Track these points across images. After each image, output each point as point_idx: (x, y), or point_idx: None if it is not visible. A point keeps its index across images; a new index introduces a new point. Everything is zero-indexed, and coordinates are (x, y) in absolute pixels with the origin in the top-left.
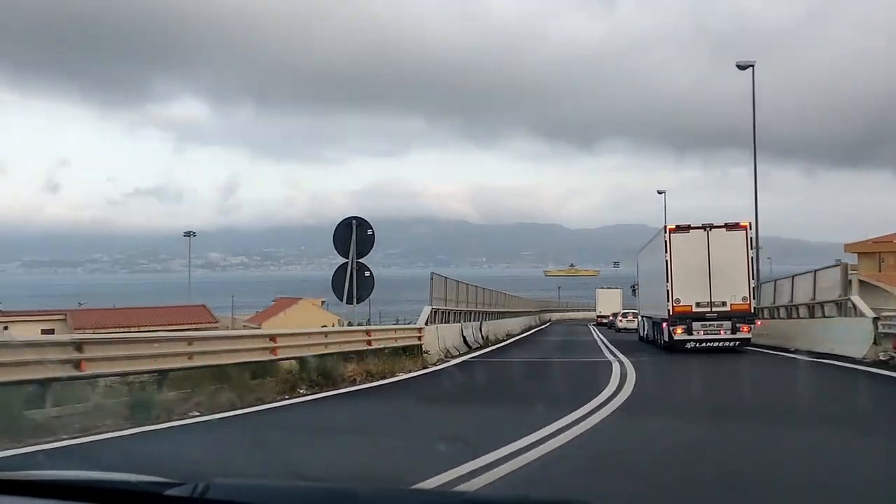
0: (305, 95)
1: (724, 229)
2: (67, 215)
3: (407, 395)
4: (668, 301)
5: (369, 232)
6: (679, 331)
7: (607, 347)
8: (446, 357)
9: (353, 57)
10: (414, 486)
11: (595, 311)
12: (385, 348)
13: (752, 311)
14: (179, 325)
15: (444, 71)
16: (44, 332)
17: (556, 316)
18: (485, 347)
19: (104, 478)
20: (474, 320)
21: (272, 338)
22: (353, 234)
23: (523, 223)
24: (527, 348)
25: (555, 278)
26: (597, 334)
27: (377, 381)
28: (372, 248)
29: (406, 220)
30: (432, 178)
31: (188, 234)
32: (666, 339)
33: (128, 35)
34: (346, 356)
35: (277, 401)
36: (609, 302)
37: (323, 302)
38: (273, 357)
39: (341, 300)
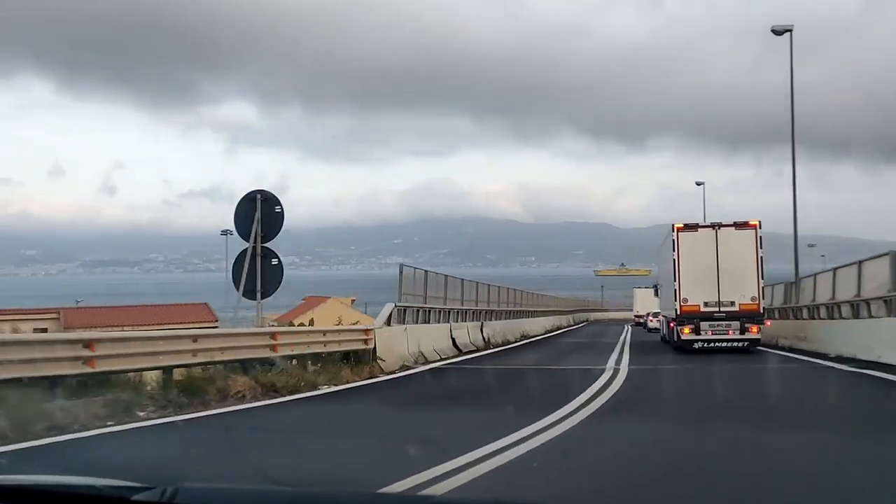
0: (351, 95)
1: (734, 228)
2: (125, 216)
3: (290, 415)
4: (676, 300)
5: (277, 209)
6: (686, 331)
7: (620, 351)
8: (416, 363)
9: (397, 56)
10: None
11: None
12: (314, 353)
13: (762, 311)
14: (173, 323)
15: (489, 69)
16: (36, 330)
17: (596, 315)
18: (481, 351)
19: (68, 482)
20: (473, 320)
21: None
22: (258, 212)
23: (572, 222)
24: (531, 352)
25: (606, 278)
26: (625, 335)
27: (282, 396)
28: (281, 229)
29: (455, 219)
30: (480, 178)
31: (225, 232)
32: (675, 339)
33: (177, 37)
34: (246, 365)
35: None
36: (646, 301)
37: (353, 301)
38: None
39: (243, 295)
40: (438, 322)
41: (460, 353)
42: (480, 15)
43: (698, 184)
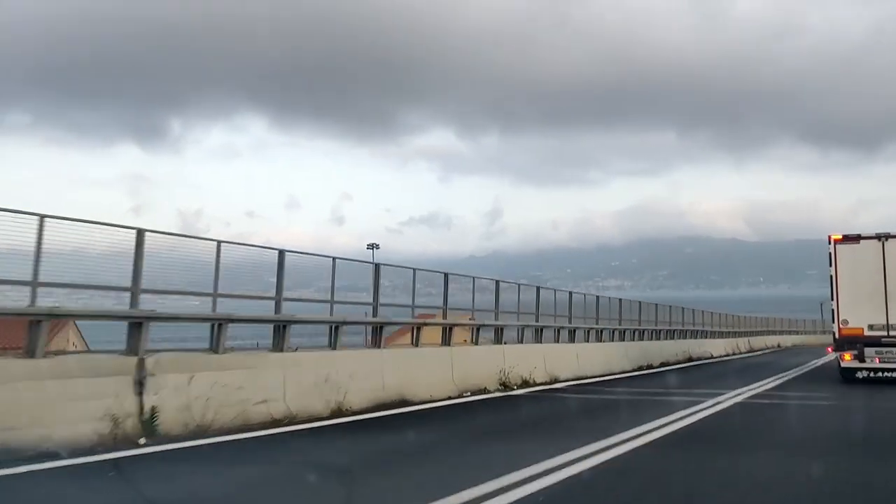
0: (552, 117)
1: None
2: (352, 244)
3: None
4: (835, 322)
5: None
6: (847, 357)
7: (769, 379)
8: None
9: (593, 73)
10: None
11: None
12: None
13: None
14: None
15: (691, 79)
16: None
17: (796, 340)
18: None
19: None
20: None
21: None
22: None
23: (804, 240)
24: (667, 377)
25: None
26: (814, 362)
27: None
28: None
29: (673, 240)
30: (697, 195)
31: (371, 246)
32: (838, 366)
33: (380, 73)
34: None
35: None
36: None
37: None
38: None
39: None
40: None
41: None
42: (672, 21)
43: None
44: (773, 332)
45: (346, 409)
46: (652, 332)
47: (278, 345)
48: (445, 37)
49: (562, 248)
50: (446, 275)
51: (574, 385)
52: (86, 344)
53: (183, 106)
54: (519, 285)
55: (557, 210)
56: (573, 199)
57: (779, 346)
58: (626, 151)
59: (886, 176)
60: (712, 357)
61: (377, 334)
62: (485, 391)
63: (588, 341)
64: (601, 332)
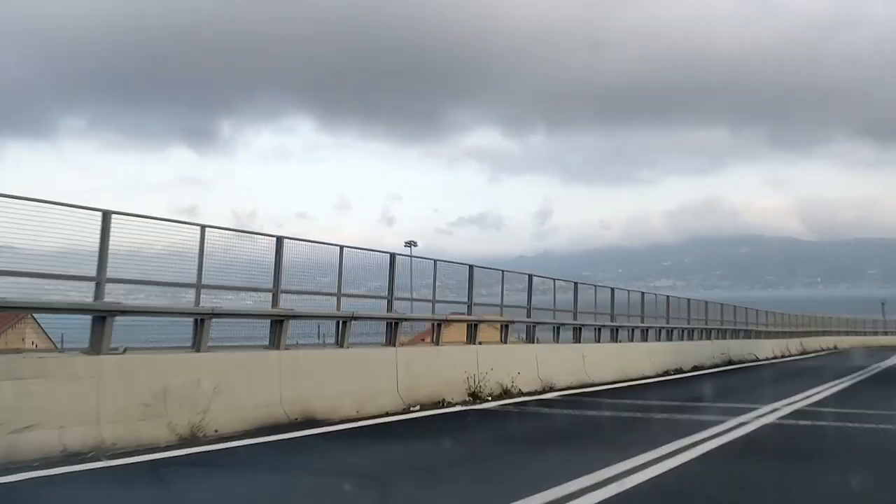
0: (601, 115)
1: None
2: (402, 245)
3: None
4: None
5: None
6: None
7: (817, 390)
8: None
9: (642, 69)
10: None
11: None
12: None
13: None
14: None
15: (741, 75)
16: None
17: (855, 341)
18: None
19: None
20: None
21: None
22: None
23: (864, 238)
24: (690, 385)
25: None
26: (881, 364)
27: None
28: None
29: (726, 239)
30: (751, 194)
31: (409, 243)
32: None
33: (433, 73)
34: None
35: None
36: None
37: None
38: None
39: None
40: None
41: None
42: (729, 16)
43: None
44: (829, 333)
45: (205, 435)
46: (683, 332)
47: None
48: (493, 35)
49: (613, 248)
50: (471, 267)
51: (570, 395)
52: None
53: (232, 108)
54: (553, 280)
55: (608, 209)
56: (624, 198)
57: (835, 347)
58: (677, 149)
59: None
60: (756, 360)
61: (391, 332)
62: (442, 404)
63: (599, 341)
64: (616, 330)
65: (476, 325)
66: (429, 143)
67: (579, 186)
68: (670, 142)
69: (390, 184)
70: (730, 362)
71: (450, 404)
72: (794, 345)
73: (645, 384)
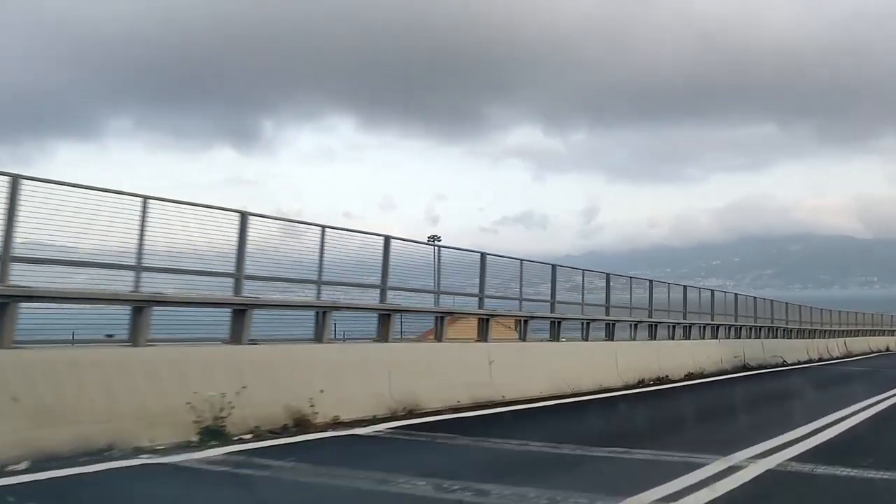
0: (645, 112)
1: None
2: (447, 243)
3: None
4: None
5: None
6: None
7: (842, 418)
8: None
9: (685, 65)
10: None
11: None
12: None
13: None
14: None
15: (788, 69)
16: None
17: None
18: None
19: None
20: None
21: None
22: None
23: None
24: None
25: None
26: None
27: None
28: None
29: (777, 237)
30: (803, 191)
31: (431, 238)
32: None
33: (472, 71)
34: None
35: None
36: None
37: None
38: None
39: None
40: None
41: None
42: (776, 8)
43: None
44: (879, 332)
45: None
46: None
47: None
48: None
49: (660, 247)
50: (482, 254)
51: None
52: None
53: (273, 108)
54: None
55: (655, 208)
56: (671, 196)
57: (888, 349)
58: (724, 146)
59: None
60: (784, 364)
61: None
62: (283, 430)
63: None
64: (587, 324)
65: (525, 322)
66: (472, 141)
67: (625, 184)
68: (716, 139)
69: (434, 183)
70: (745, 367)
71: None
72: (837, 346)
73: (595, 400)
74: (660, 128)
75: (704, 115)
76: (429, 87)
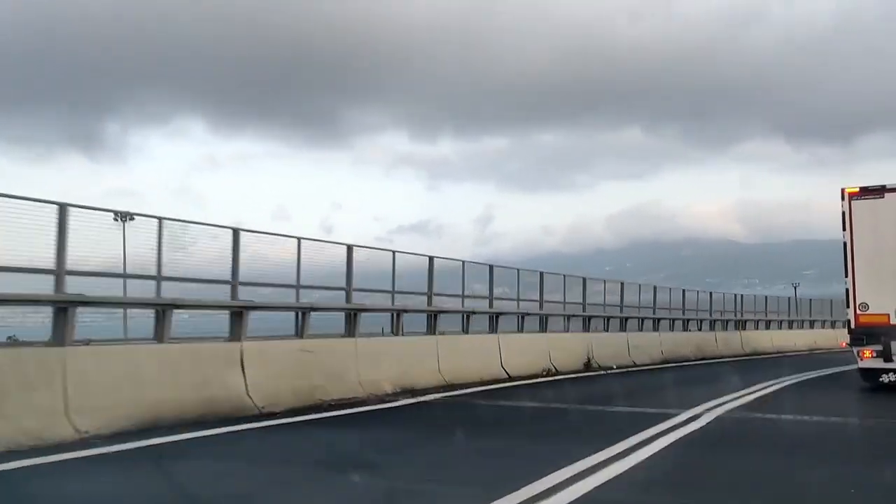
0: (514, 117)
1: None
2: (342, 253)
3: None
4: (849, 307)
5: None
6: (867, 354)
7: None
8: None
9: (558, 70)
10: None
11: None
12: None
13: None
14: None
15: (653, 77)
16: None
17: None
18: None
19: None
20: None
21: None
22: None
23: (802, 240)
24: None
25: None
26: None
27: None
28: None
29: (668, 242)
30: (689, 197)
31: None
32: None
33: (335, 75)
34: None
35: None
36: None
37: None
38: None
39: None
40: None
41: None
42: (634, 18)
43: None
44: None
45: None
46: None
47: None
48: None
49: (556, 254)
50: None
51: None
52: None
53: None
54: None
55: (548, 215)
56: (563, 203)
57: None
58: (605, 152)
59: (870, 173)
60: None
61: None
62: None
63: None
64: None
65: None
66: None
67: (519, 192)
68: (597, 144)
69: (331, 193)
70: (549, 373)
71: None
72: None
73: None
74: (543, 132)
75: (580, 121)
76: (285, 88)
